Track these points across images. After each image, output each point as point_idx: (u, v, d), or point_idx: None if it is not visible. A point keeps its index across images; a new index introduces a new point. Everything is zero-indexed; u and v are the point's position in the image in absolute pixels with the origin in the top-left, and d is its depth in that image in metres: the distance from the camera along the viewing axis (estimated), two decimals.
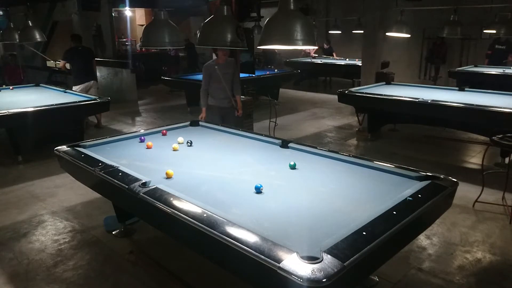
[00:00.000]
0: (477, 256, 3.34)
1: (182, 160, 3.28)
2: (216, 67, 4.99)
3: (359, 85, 8.11)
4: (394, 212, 2.22)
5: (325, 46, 13.56)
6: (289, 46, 2.28)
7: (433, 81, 11.20)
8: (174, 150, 3.53)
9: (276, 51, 13.62)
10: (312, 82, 13.38)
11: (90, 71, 7.56)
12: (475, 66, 9.78)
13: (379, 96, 6.23)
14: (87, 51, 7.56)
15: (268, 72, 10.28)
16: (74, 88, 7.22)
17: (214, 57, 5.23)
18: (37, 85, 7.80)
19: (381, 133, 7.04)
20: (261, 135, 3.97)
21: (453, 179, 2.70)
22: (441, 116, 5.70)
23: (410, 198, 2.38)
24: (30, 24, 6.13)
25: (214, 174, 2.97)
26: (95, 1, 9.48)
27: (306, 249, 1.84)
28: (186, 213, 2.22)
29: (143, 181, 2.65)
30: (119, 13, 15.50)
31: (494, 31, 7.97)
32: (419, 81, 11.45)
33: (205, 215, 2.17)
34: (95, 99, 6.12)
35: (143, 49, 14.38)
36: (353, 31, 11.39)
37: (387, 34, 7.68)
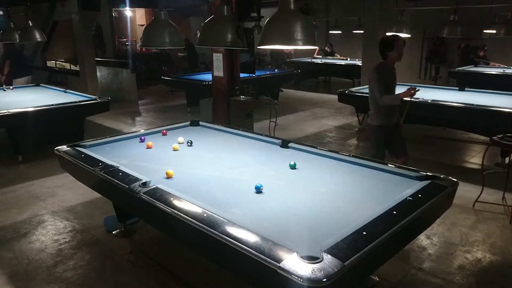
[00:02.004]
0: (477, 256, 3.34)
1: (182, 160, 3.28)
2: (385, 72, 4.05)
3: (359, 85, 8.12)
4: (394, 212, 2.21)
5: (327, 49, 13.59)
6: (289, 46, 2.28)
7: (433, 81, 11.20)
8: (174, 150, 3.52)
9: (289, 51, 13.61)
10: (313, 81, 13.40)
11: (27, 66, 9.06)
12: (475, 66, 9.79)
13: None
14: (21, 50, 8.93)
15: (268, 72, 10.29)
16: (17, 80, 8.32)
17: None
18: (37, 85, 7.82)
19: None
20: (261, 135, 3.97)
21: (453, 179, 2.70)
22: (441, 116, 5.71)
23: (410, 198, 2.38)
24: (30, 24, 6.13)
25: (214, 174, 2.97)
26: (95, 1, 9.48)
27: (306, 249, 1.84)
28: (186, 213, 2.22)
29: (143, 181, 2.65)
30: (119, 13, 15.50)
31: (494, 31, 7.99)
32: (419, 81, 11.46)
33: (205, 215, 2.17)
34: (95, 99, 6.13)
35: (143, 49, 14.38)
36: (354, 31, 11.40)
37: (387, 34, 7.67)
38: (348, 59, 12.67)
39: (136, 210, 2.95)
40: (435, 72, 11.52)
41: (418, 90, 3.90)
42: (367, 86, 7.30)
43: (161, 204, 2.37)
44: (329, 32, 14.06)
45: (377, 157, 3.87)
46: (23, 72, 8.55)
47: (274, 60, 14.06)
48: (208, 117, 6.27)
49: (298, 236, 2.04)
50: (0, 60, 8.69)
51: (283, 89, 11.25)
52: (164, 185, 2.58)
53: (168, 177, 2.83)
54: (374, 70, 4.05)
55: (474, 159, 5.74)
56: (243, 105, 5.85)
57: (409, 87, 3.94)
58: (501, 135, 4.16)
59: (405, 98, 3.90)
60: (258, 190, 2.59)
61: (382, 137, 4.12)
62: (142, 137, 3.87)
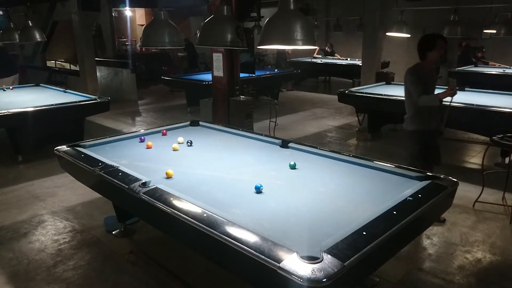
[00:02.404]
0: (477, 256, 3.34)
1: (182, 160, 3.28)
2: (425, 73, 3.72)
3: (359, 85, 8.12)
4: (394, 212, 2.21)
5: (328, 49, 13.59)
6: (289, 46, 2.28)
7: None
8: (174, 150, 3.52)
9: (287, 51, 13.49)
10: (313, 81, 13.38)
11: (14, 66, 8.83)
12: (475, 66, 9.79)
13: (379, 96, 6.23)
14: (5, 50, 8.64)
15: (268, 72, 10.29)
16: (3, 80, 8.01)
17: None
18: (37, 85, 7.81)
19: (381, 133, 7.04)
20: (261, 135, 3.97)
21: (453, 179, 2.70)
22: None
23: (410, 198, 2.38)
24: (30, 24, 6.13)
25: (214, 174, 2.97)
26: (95, 1, 9.48)
27: (306, 249, 1.84)
28: (186, 213, 2.22)
29: (143, 181, 2.65)
30: (119, 13, 15.50)
31: (494, 31, 7.99)
32: None
33: (205, 215, 2.17)
34: (95, 99, 6.14)
35: (143, 49, 14.38)
36: (355, 31, 11.40)
37: (387, 34, 7.68)
38: (348, 59, 12.67)
39: (136, 210, 2.95)
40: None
41: (458, 88, 3.65)
42: (366, 86, 7.36)
43: (161, 204, 2.36)
44: (330, 32, 14.05)
45: (415, 166, 3.50)
46: (9, 72, 8.44)
47: (282, 60, 13.53)
48: (208, 117, 6.26)
49: (298, 236, 2.04)
50: None
51: (289, 89, 11.29)
52: (164, 185, 2.58)
53: (168, 177, 2.83)
54: (411, 71, 3.74)
55: (474, 159, 5.74)
56: (243, 105, 5.85)
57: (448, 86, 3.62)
58: (501, 135, 4.16)
59: (445, 101, 3.62)
60: (258, 190, 2.58)
61: (419, 142, 3.80)
62: (142, 137, 3.87)
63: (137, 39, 15.71)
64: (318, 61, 12.76)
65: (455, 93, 3.57)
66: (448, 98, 3.65)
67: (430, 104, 3.66)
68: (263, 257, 1.77)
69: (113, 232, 3.71)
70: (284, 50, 12.90)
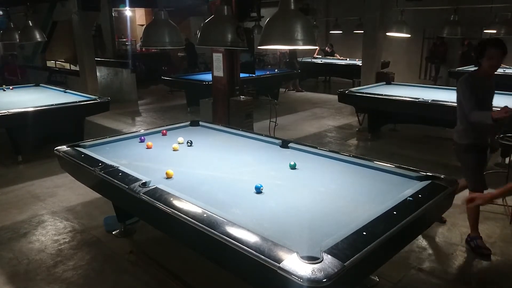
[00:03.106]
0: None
1: (182, 160, 3.28)
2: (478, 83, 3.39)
3: (359, 85, 8.12)
4: (394, 212, 2.21)
5: (328, 49, 13.58)
6: (289, 46, 2.28)
7: (433, 81, 11.20)
8: (174, 150, 3.52)
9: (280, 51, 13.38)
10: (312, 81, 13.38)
11: None
12: (475, 66, 9.78)
13: (379, 96, 6.23)
14: None
15: (268, 72, 10.29)
16: None
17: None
18: (37, 85, 7.82)
19: (381, 133, 7.04)
20: (261, 135, 3.97)
21: (453, 179, 2.70)
22: (441, 116, 5.70)
23: (411, 198, 2.38)
24: (30, 24, 6.14)
25: (214, 174, 2.97)
26: (95, 1, 9.47)
27: (306, 249, 1.84)
28: (186, 213, 2.22)
29: (143, 181, 2.65)
30: (119, 13, 15.51)
31: (494, 31, 7.99)
32: (419, 81, 11.46)
33: (205, 215, 2.17)
34: (95, 99, 6.14)
35: (143, 49, 14.39)
36: (354, 31, 11.39)
37: (387, 34, 7.68)
38: (348, 59, 12.67)
39: (136, 210, 2.95)
40: (435, 72, 11.52)
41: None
42: (366, 86, 7.36)
43: (161, 204, 2.36)
44: (330, 32, 14.05)
45: (476, 185, 3.27)
46: None
47: (296, 59, 12.31)
48: (208, 117, 6.26)
49: (298, 236, 2.04)
50: None
51: (298, 91, 11.31)
52: (164, 185, 2.58)
53: (168, 177, 2.83)
54: (465, 79, 3.40)
55: None
56: (243, 105, 5.86)
57: (504, 105, 3.20)
58: (501, 135, 4.16)
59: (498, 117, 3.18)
60: (258, 190, 2.58)
61: (476, 157, 3.41)
62: (142, 137, 3.87)
63: (137, 39, 15.72)
64: (318, 61, 12.76)
65: (510, 115, 3.10)
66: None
67: (481, 121, 3.26)
68: (263, 257, 1.77)
69: (113, 232, 3.71)
70: (295, 49, 12.71)
